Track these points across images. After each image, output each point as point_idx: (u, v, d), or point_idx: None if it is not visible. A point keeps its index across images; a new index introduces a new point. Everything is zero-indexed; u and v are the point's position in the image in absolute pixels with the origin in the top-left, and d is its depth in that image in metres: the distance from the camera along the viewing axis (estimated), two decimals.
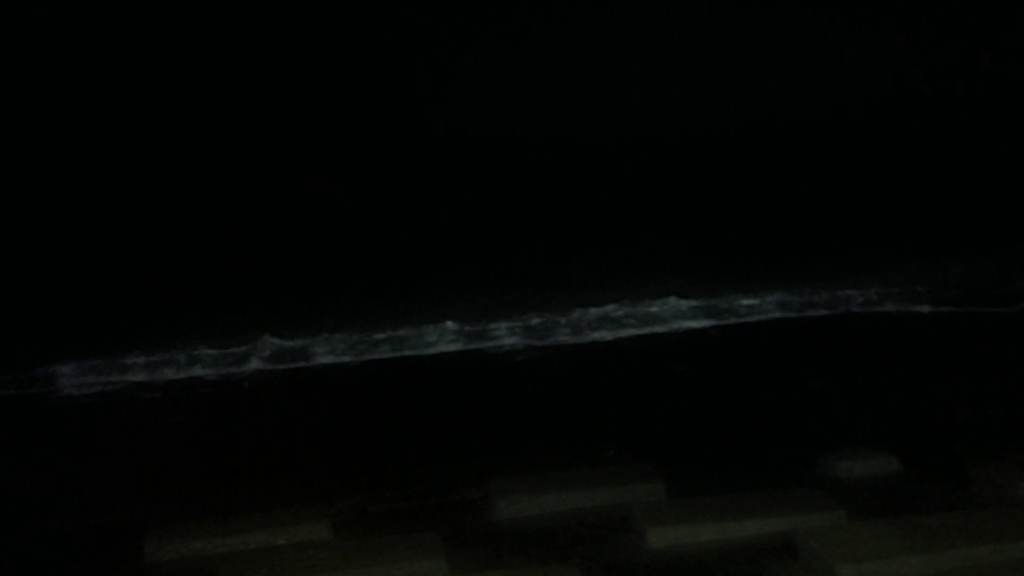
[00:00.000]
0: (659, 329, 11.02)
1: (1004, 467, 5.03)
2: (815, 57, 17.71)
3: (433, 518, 5.10)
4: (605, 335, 10.84)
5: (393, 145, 16.55)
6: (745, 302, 11.56)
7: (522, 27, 17.35)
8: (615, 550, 4.48)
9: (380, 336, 10.76)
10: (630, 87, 17.53)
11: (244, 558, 4.41)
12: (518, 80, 17.17)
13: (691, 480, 5.40)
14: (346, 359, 10.38)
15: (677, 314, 11.29)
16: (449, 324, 10.95)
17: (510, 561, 4.40)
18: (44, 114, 15.15)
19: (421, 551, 4.29)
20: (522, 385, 9.22)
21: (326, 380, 9.86)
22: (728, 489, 5.14)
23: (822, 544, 4.13)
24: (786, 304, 11.55)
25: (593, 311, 11.33)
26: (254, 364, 10.16)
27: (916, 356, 9.38)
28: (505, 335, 10.81)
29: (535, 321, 11.08)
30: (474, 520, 5.00)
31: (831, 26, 17.96)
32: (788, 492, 4.97)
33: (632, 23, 17.84)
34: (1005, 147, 16.53)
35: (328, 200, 15.17)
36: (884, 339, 10.34)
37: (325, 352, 10.48)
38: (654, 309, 11.40)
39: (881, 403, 7.32)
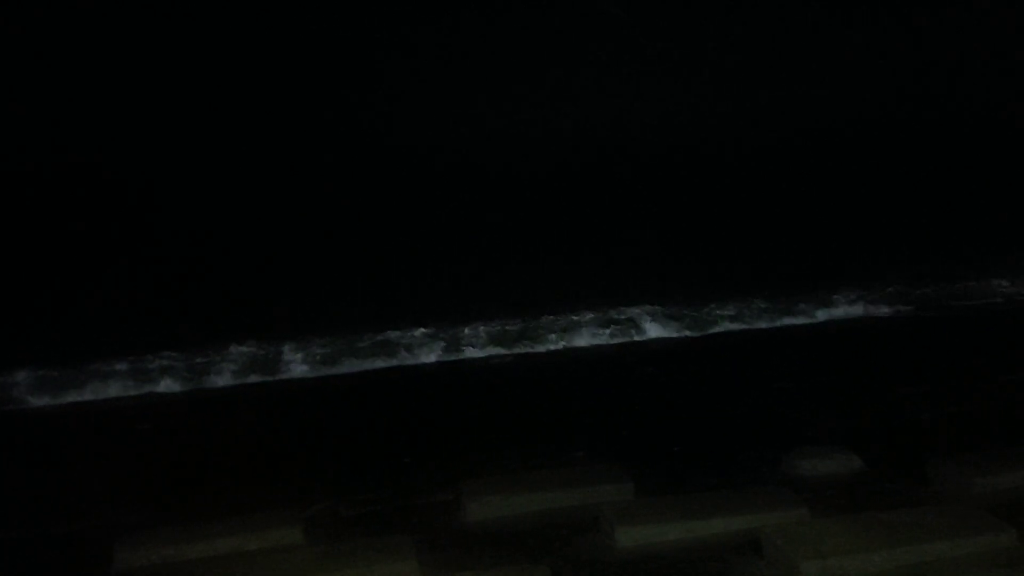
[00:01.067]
0: (629, 334, 11.13)
1: (962, 465, 5.15)
2: (786, 79, 17.99)
3: (405, 521, 5.12)
4: (576, 340, 10.93)
5: (369, 153, 16.49)
6: (715, 310, 11.71)
7: (510, 34, 17.38)
8: (585, 549, 4.53)
9: (352, 341, 10.75)
10: (608, 98, 17.66)
11: (216, 564, 4.40)
12: (497, 88, 17.20)
13: (659, 480, 5.48)
14: (317, 364, 10.36)
15: (647, 320, 11.41)
16: (422, 330, 10.97)
17: (481, 562, 4.43)
18: (10, 122, 14.93)
19: (393, 553, 4.31)
20: (492, 388, 9.26)
21: (297, 385, 9.83)
22: (695, 488, 5.24)
23: (787, 541, 4.21)
24: (756, 310, 11.73)
25: (565, 317, 11.42)
26: (225, 370, 10.11)
27: (877, 358, 9.57)
28: (477, 340, 10.86)
29: (507, 326, 11.14)
30: (445, 522, 5.03)
31: (790, 54, 18.25)
32: (753, 491, 5.06)
33: (606, 32, 17.97)
34: (965, 161, 16.93)
35: (302, 206, 15.10)
36: (846, 342, 10.53)
37: (296, 357, 10.45)
38: (624, 315, 11.50)
39: (843, 404, 7.45)
